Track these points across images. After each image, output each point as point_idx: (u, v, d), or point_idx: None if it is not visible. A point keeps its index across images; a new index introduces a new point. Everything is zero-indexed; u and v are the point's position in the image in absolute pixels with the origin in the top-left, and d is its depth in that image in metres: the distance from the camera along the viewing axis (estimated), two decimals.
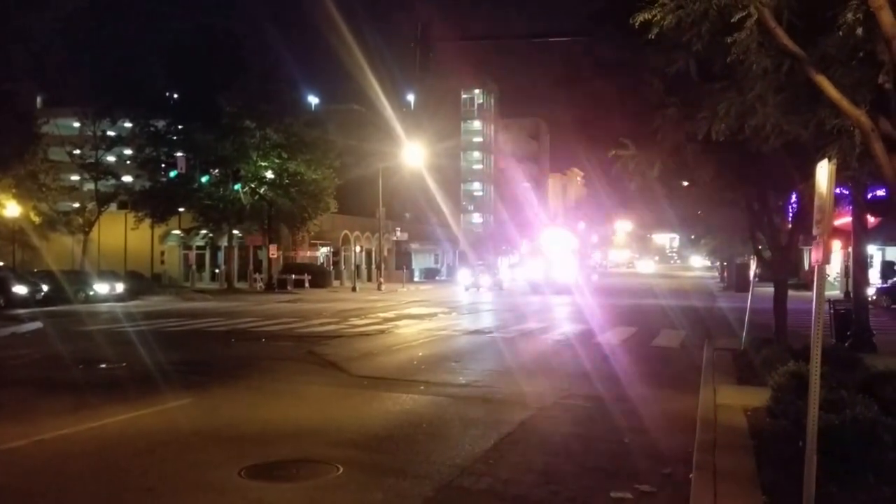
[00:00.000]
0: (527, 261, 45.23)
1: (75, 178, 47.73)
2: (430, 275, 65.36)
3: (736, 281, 41.61)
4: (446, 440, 7.91)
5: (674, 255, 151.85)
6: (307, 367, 13.19)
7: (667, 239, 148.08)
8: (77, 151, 45.01)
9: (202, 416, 9.04)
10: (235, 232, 45.10)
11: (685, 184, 13.88)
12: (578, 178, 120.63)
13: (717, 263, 63.95)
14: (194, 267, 49.25)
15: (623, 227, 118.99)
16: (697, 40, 5.82)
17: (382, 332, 19.40)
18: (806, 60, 5.63)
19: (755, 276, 15.82)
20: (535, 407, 9.62)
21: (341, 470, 6.66)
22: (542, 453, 7.44)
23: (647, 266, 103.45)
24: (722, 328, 19.32)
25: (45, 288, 29.64)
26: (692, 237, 56.87)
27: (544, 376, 12.19)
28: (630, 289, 46.28)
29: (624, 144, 8.86)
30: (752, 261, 16.21)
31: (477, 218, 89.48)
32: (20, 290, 28.43)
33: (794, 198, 14.57)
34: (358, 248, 54.71)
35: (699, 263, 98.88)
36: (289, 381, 11.70)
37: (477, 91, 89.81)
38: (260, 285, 43.73)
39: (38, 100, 47.23)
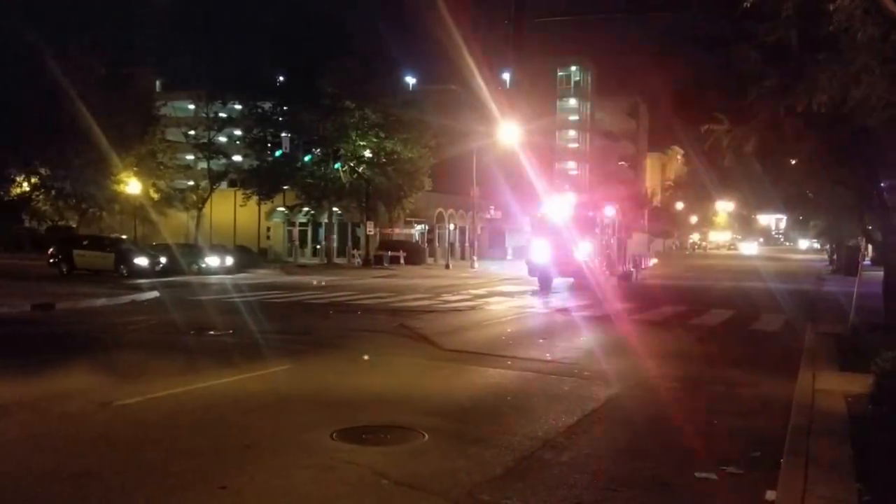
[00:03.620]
0: (531, 240, 29.35)
1: (190, 157, 50.60)
2: (522, 253, 65.06)
3: (846, 264, 39.31)
4: (530, 413, 8.00)
5: (780, 236, 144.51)
6: (399, 340, 13.56)
7: (772, 220, 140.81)
8: (191, 132, 47.93)
9: (300, 381, 9.52)
10: (335, 209, 46.49)
11: (792, 162, 13.27)
12: (678, 157, 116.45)
13: (827, 246, 60.55)
14: (297, 242, 51.23)
15: (724, 207, 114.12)
16: (791, 5, 5.57)
17: (473, 308, 19.62)
18: None
19: (864, 257, 14.97)
20: (622, 385, 9.55)
21: (427, 437, 6.89)
22: (627, 431, 7.42)
23: (751, 248, 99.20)
24: (828, 312, 18.38)
25: (162, 260, 31.62)
26: (800, 218, 53.87)
27: (632, 355, 12.05)
28: (730, 271, 44.56)
29: (718, 119, 8.58)
30: (862, 242, 15.37)
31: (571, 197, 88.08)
32: (141, 261, 30.55)
33: None
34: (452, 227, 55.15)
35: (807, 246, 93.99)
36: (381, 352, 12.06)
37: (573, 68, 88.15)
38: (357, 261, 44.93)
39: (157, 83, 50.23)
